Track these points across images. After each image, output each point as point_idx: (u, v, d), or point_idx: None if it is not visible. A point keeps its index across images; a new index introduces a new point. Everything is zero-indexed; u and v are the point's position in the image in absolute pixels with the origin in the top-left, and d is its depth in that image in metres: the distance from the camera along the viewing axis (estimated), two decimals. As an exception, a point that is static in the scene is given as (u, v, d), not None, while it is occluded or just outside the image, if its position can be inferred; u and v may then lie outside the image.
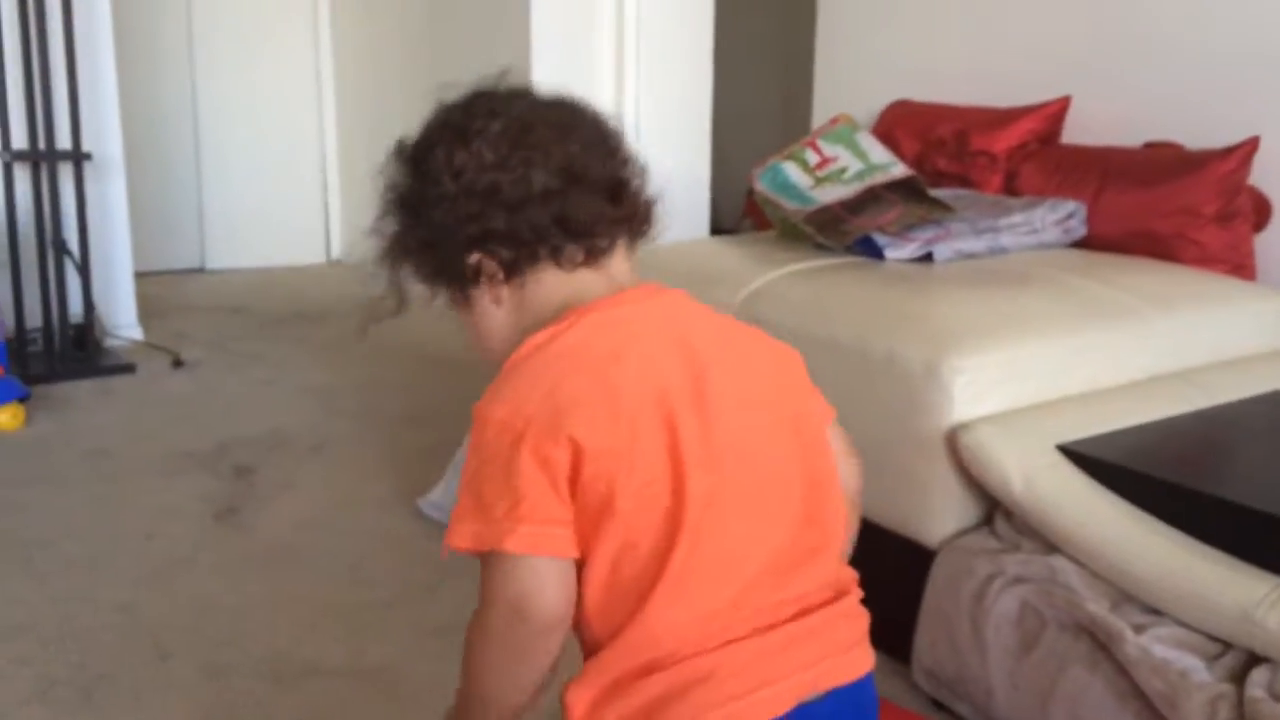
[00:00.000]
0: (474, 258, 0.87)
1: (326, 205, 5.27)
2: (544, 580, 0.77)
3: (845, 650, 0.86)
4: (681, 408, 0.80)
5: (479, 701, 0.85)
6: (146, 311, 3.74)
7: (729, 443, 0.82)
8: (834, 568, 0.88)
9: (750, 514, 0.83)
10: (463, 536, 0.79)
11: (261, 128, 5.03)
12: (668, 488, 0.79)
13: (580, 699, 0.82)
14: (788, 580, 0.84)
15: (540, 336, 0.84)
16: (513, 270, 0.87)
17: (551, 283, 0.87)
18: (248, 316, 4.16)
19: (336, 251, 5.31)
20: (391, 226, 0.92)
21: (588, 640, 0.84)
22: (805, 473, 0.88)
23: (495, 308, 0.89)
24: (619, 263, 0.89)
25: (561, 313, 0.86)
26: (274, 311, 4.24)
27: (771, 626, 0.82)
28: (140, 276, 3.75)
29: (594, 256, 0.87)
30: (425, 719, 1.58)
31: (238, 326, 4.00)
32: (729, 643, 0.80)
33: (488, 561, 0.79)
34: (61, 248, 3.29)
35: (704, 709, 0.78)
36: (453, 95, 0.92)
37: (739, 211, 5.32)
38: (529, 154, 0.85)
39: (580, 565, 0.80)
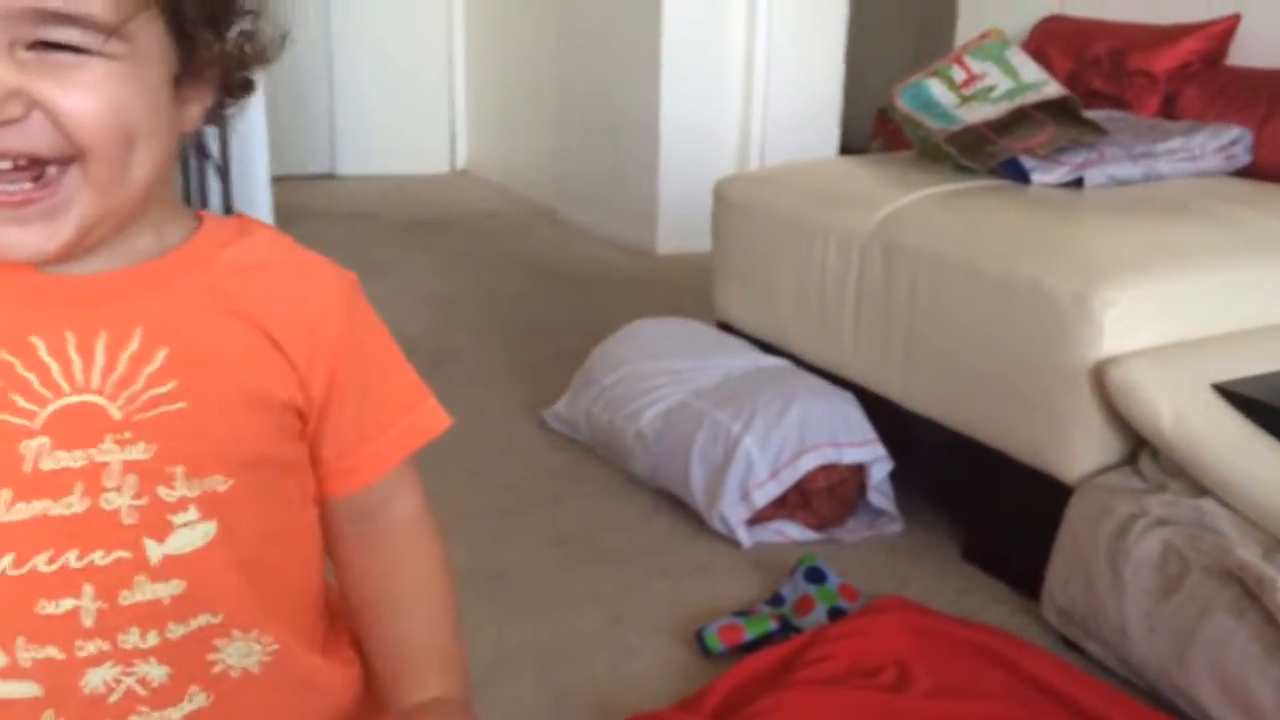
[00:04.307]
0: (239, 31, 0.60)
1: (453, 115, 5.29)
2: None
3: None
4: None
5: None
6: (281, 216, 3.83)
7: None
8: None
9: None
10: None
11: (391, 36, 5.06)
12: None
13: None
14: None
15: (231, 226, 0.64)
16: (237, 88, 0.63)
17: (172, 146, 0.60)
18: (376, 222, 4.23)
19: (462, 161, 5.35)
20: None
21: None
22: None
23: (175, 111, 0.58)
24: None
25: (163, 199, 0.61)
26: (401, 219, 4.30)
27: None
28: (274, 181, 3.84)
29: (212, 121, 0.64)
30: (543, 625, 1.61)
31: (369, 233, 4.07)
32: None
33: None
34: (203, 150, 3.38)
35: None
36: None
37: (868, 131, 5.18)
38: None
39: None
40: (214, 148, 3.41)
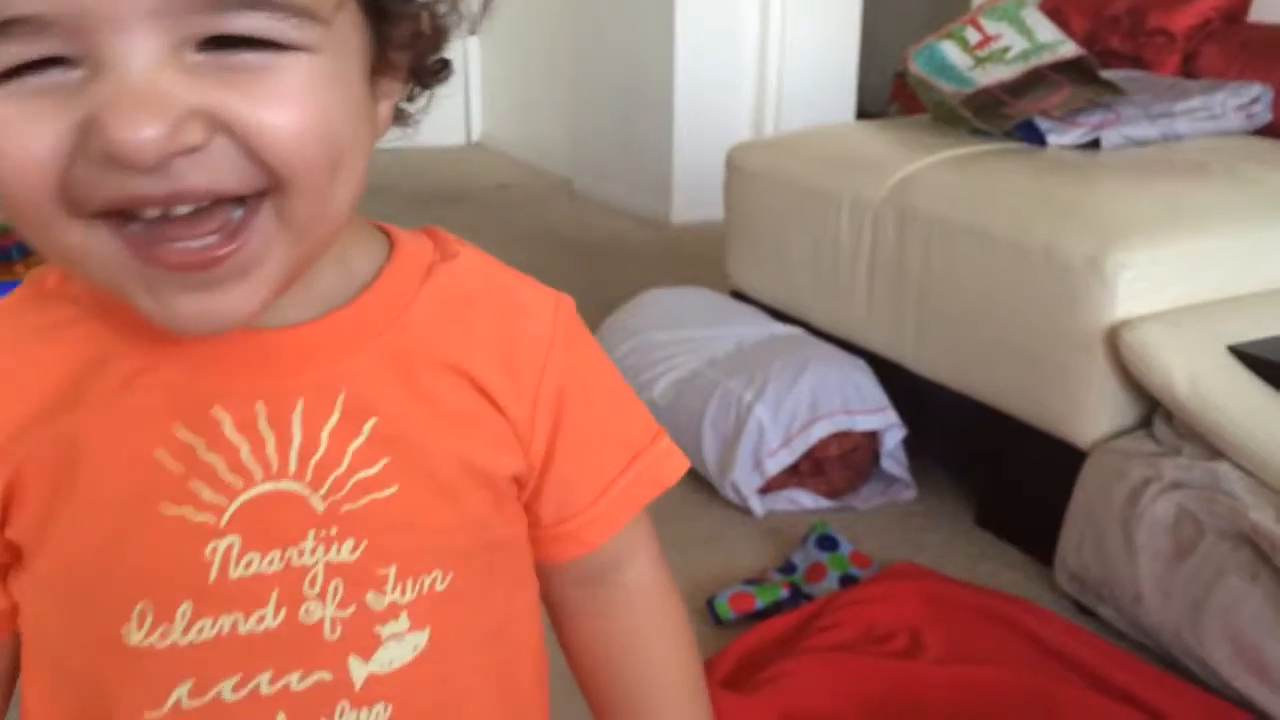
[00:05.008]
0: (429, 17, 0.49)
1: (467, 87, 5.27)
2: None
3: None
4: None
5: None
6: (295, 190, 3.83)
7: None
8: None
9: None
10: None
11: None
12: None
13: None
14: None
15: (426, 246, 0.54)
16: (431, 74, 0.51)
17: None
18: (390, 196, 4.23)
19: (477, 134, 5.33)
20: None
21: None
22: None
23: (372, 107, 0.47)
24: None
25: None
26: (416, 192, 4.30)
27: None
28: (289, 155, 3.84)
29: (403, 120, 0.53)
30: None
31: (380, 206, 4.06)
32: None
33: None
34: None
35: None
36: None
37: (886, 95, 5.12)
38: None
39: None
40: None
